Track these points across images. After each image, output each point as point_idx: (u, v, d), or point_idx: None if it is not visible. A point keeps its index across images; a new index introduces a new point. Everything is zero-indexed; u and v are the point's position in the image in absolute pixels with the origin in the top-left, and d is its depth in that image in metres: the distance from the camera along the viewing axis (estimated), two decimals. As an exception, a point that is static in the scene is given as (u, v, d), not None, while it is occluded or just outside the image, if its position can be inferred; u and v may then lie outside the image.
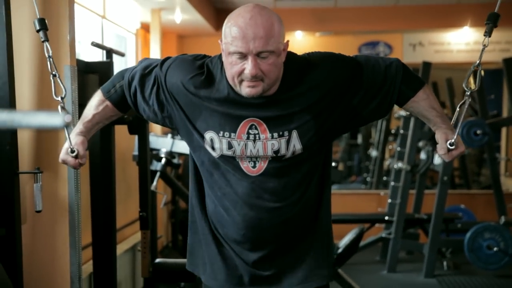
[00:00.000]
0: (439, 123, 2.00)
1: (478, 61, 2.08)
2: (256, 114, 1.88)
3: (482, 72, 2.18)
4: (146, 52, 6.85)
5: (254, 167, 1.93)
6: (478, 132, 5.73)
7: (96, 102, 2.11)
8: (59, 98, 2.18)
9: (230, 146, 1.91)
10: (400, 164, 6.23)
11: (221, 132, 1.91)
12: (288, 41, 1.87)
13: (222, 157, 1.94)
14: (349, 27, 8.04)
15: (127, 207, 4.67)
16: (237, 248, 2.05)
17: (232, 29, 1.80)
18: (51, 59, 2.25)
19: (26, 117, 1.04)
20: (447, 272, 6.00)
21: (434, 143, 2.09)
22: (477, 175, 8.54)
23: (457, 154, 1.98)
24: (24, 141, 2.88)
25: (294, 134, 1.89)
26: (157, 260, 4.15)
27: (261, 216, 1.97)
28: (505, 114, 7.96)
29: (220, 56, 1.93)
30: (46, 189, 2.87)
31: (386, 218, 6.24)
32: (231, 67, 1.82)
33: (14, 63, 2.70)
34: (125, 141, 4.67)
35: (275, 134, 1.89)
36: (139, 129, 3.75)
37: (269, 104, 1.88)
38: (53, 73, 2.24)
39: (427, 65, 6.10)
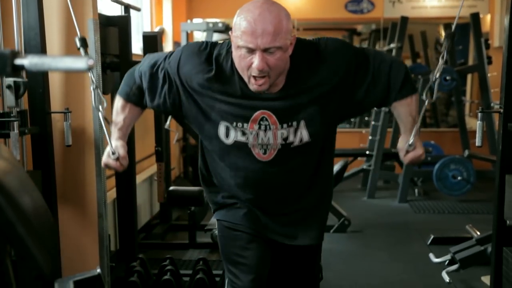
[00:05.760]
0: (409, 130, 1.90)
1: (437, 74, 2.02)
2: (267, 106, 1.76)
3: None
4: (159, 8, 6.72)
5: (264, 153, 1.83)
6: (448, 78, 5.70)
7: (120, 107, 1.95)
8: (100, 108, 1.99)
9: (243, 134, 1.80)
10: (379, 106, 6.19)
11: (235, 123, 1.79)
12: (295, 35, 1.72)
13: (235, 143, 1.82)
14: (336, -14, 7.86)
15: (145, 143, 4.67)
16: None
17: (241, 24, 1.64)
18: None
19: (54, 61, 1.03)
20: (418, 198, 6.06)
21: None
22: (445, 115, 8.51)
23: (412, 156, 1.87)
24: (55, 86, 2.86)
25: (302, 123, 1.78)
26: (171, 187, 4.19)
27: (270, 192, 1.93)
28: (470, 62, 7.87)
29: (228, 50, 1.78)
30: (74, 126, 2.86)
31: (367, 152, 6.26)
32: (240, 61, 1.69)
33: (44, 15, 2.66)
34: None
35: (285, 125, 1.78)
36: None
37: (279, 98, 1.76)
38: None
39: (404, 20, 6.02)
